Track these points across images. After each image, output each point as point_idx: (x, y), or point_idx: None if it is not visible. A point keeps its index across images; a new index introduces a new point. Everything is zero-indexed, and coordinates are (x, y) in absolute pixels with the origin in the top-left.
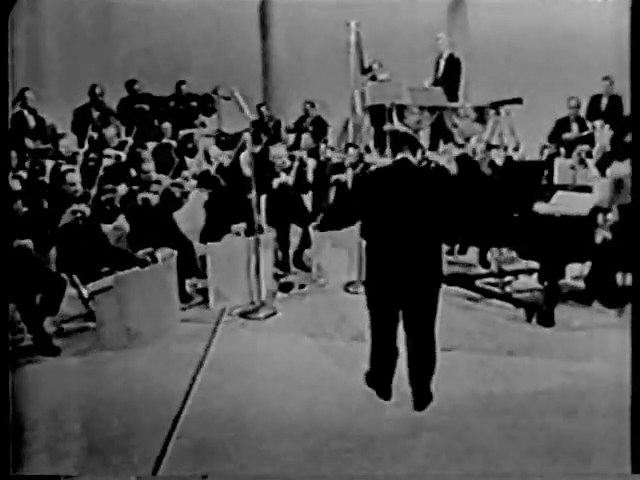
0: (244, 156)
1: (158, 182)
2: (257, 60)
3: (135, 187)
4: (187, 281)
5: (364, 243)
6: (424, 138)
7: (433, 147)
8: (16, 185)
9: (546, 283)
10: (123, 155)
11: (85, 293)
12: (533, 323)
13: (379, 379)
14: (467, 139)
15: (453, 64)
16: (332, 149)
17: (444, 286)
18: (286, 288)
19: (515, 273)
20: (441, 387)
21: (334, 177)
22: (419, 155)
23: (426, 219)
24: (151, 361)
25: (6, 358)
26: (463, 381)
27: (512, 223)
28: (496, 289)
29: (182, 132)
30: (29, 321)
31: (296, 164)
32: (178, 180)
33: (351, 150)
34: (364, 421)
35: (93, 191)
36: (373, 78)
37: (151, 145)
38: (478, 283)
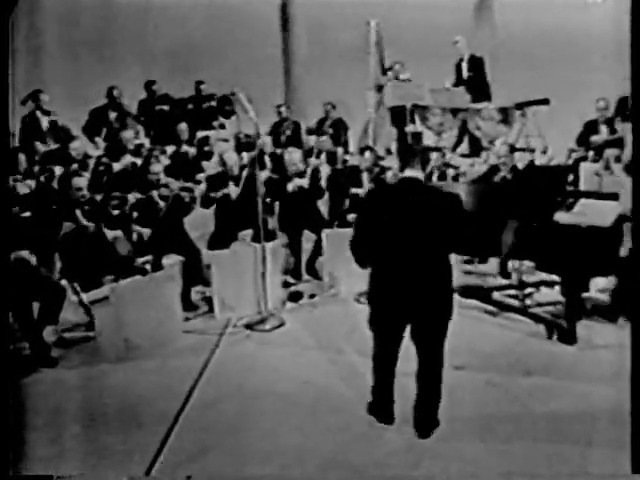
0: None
1: (166, 186)
2: (278, 60)
3: (141, 195)
4: (193, 289)
5: None
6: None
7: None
8: (24, 189)
9: (567, 297)
10: (138, 161)
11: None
12: (553, 340)
13: (381, 403)
14: (491, 141)
15: (476, 64)
16: (348, 153)
17: (458, 298)
18: (295, 298)
19: (536, 285)
20: (447, 409)
21: (352, 190)
22: (438, 162)
23: (434, 233)
24: (147, 375)
25: (7, 366)
26: (472, 404)
27: (531, 233)
28: (515, 302)
29: (199, 134)
30: (25, 331)
31: (310, 169)
32: (188, 184)
33: (367, 154)
34: (362, 448)
35: (99, 197)
36: (395, 78)
37: (169, 149)
38: (496, 295)
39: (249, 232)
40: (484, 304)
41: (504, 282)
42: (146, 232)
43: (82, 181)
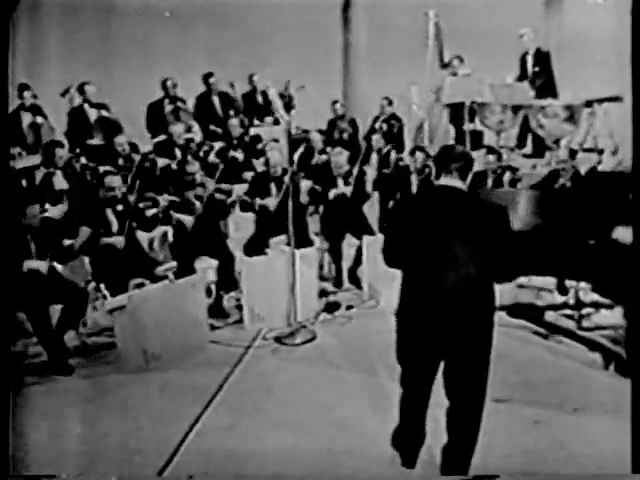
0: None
1: (202, 185)
2: (338, 53)
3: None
4: (226, 296)
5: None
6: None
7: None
8: (62, 184)
9: (629, 322)
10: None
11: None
12: (611, 371)
13: (407, 442)
14: (556, 141)
15: (542, 58)
16: (396, 152)
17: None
18: (332, 309)
19: (596, 305)
20: (483, 450)
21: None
22: (493, 164)
23: (472, 253)
24: (161, 389)
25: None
26: (510, 443)
27: (586, 251)
28: (571, 323)
29: (252, 131)
30: (42, 335)
31: (355, 171)
32: (223, 185)
33: (418, 154)
34: None
35: (132, 197)
36: (453, 74)
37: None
38: (550, 315)
39: (283, 238)
40: (534, 325)
41: (560, 300)
42: (189, 220)
43: (115, 180)
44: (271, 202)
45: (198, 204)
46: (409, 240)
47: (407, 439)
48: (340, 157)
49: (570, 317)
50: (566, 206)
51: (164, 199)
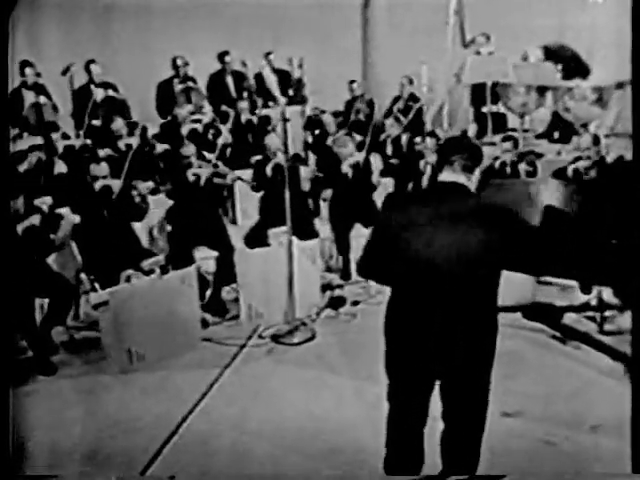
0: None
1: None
2: (357, 32)
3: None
4: (224, 289)
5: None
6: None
7: (548, 136)
8: (61, 168)
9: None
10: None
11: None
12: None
13: (400, 468)
14: (584, 125)
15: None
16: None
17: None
18: (337, 304)
19: (621, 308)
20: (485, 468)
21: None
22: (510, 152)
23: (472, 261)
24: (143, 395)
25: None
26: (518, 463)
27: (607, 252)
28: (592, 326)
29: (260, 112)
30: (25, 331)
31: (362, 158)
32: (220, 169)
33: (428, 140)
34: None
35: (118, 183)
36: (476, 52)
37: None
38: (570, 317)
39: (283, 229)
40: (552, 329)
41: (582, 299)
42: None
43: (100, 169)
44: (272, 189)
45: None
46: (394, 246)
47: (400, 465)
48: (343, 149)
49: (592, 319)
50: (588, 199)
51: (146, 187)
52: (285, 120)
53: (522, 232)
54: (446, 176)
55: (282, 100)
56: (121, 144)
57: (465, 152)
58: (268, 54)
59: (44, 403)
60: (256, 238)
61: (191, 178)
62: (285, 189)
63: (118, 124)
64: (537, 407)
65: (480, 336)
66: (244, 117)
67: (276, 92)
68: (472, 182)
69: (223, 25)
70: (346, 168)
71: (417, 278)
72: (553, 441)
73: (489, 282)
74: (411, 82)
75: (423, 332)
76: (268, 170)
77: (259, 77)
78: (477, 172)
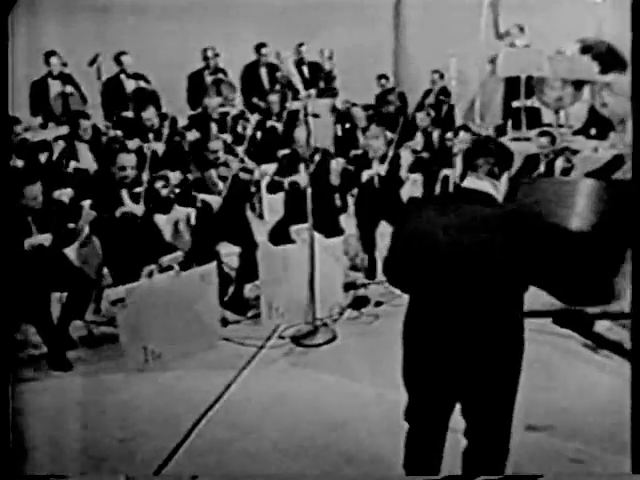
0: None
1: (226, 165)
2: (389, 23)
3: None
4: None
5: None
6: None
7: (585, 132)
8: (87, 159)
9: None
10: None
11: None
12: None
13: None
14: (621, 121)
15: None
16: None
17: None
18: (360, 304)
19: None
20: None
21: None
22: (546, 148)
23: (496, 276)
24: (156, 396)
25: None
26: None
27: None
28: (625, 333)
29: (290, 105)
30: (41, 326)
31: (391, 153)
32: (248, 164)
33: (462, 134)
34: None
35: (145, 176)
36: (510, 45)
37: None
38: (602, 324)
39: (305, 226)
40: (582, 337)
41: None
42: (215, 201)
43: (129, 159)
44: (303, 177)
45: (221, 184)
46: (415, 255)
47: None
48: (375, 141)
49: (625, 327)
50: (623, 202)
51: (175, 177)
52: (308, 114)
53: (552, 245)
54: (470, 182)
55: (304, 93)
56: (150, 136)
57: (492, 156)
58: (300, 45)
59: (55, 400)
60: (281, 234)
61: (221, 173)
62: (307, 184)
63: (150, 112)
64: (563, 420)
65: (505, 350)
66: (274, 110)
67: (298, 84)
68: (499, 190)
69: (256, 17)
70: (368, 174)
71: (436, 288)
72: (581, 459)
73: (514, 293)
74: (442, 76)
75: (442, 347)
76: (300, 165)
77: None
78: (505, 178)
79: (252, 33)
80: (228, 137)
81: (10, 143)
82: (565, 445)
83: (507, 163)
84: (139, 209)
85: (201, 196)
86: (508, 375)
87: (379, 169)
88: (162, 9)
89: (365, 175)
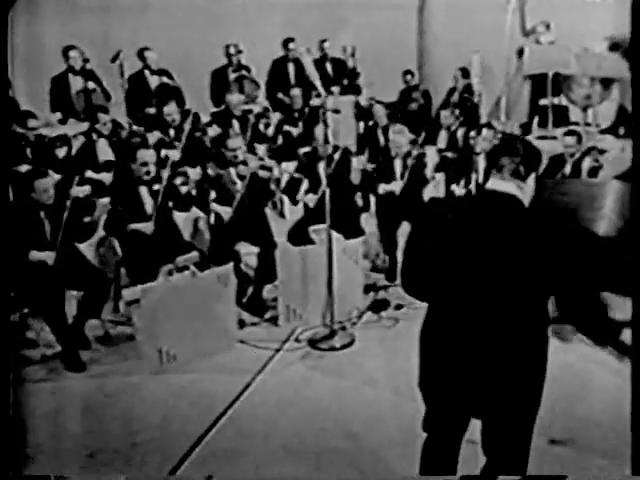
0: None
1: (245, 163)
2: (412, 18)
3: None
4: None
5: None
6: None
7: (614, 131)
8: (107, 154)
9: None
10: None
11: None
12: None
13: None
14: None
15: None
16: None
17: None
18: (379, 307)
19: None
20: None
21: None
22: (574, 148)
23: (522, 286)
24: (169, 399)
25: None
26: None
27: None
28: None
29: (313, 102)
30: (56, 326)
31: (414, 153)
32: (267, 162)
33: (485, 132)
34: None
35: (165, 173)
36: (536, 41)
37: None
38: (629, 333)
39: (323, 227)
40: (609, 345)
41: None
42: (226, 213)
43: (148, 155)
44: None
45: (240, 183)
46: (434, 264)
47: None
48: (399, 137)
49: None
50: None
51: (195, 173)
52: (326, 110)
53: (580, 250)
54: (494, 184)
55: (322, 90)
56: (171, 132)
57: (518, 155)
58: (323, 41)
59: (67, 402)
60: (300, 234)
61: (240, 171)
62: (324, 186)
63: (171, 107)
64: (586, 433)
65: (528, 364)
66: (297, 105)
67: (316, 81)
68: (525, 192)
69: (281, 13)
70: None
71: (456, 297)
72: (604, 477)
73: (540, 302)
74: (465, 75)
75: (461, 358)
76: (320, 163)
77: (316, 64)
78: (531, 180)
79: (276, 30)
80: (249, 135)
81: (21, 138)
82: (588, 459)
83: (535, 163)
84: (149, 227)
85: (213, 206)
86: (530, 390)
87: (395, 185)
88: (163, 9)
89: (381, 189)
